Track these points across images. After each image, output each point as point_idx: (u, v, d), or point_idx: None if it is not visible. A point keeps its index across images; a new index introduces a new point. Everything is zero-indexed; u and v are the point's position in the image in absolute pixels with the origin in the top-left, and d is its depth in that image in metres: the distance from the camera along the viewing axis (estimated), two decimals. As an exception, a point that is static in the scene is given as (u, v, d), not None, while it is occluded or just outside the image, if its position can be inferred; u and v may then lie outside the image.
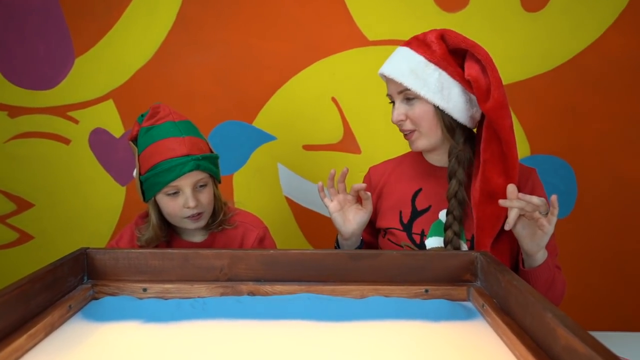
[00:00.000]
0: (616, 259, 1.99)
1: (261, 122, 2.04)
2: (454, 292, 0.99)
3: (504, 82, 1.18)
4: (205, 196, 1.32)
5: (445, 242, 1.22)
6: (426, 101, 1.20)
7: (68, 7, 2.02)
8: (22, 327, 0.79)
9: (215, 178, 1.37)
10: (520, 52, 1.94)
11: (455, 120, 1.21)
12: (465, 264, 1.01)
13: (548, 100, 1.95)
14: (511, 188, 1.07)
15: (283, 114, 2.04)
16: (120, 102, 2.06)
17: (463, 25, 1.87)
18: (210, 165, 1.31)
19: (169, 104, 1.36)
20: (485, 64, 1.15)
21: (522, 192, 1.09)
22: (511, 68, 1.93)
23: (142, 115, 1.36)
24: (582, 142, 1.96)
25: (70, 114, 2.07)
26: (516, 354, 0.74)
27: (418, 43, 1.22)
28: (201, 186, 1.31)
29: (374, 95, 1.93)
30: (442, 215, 1.26)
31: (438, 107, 1.19)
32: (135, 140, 1.35)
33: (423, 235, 1.26)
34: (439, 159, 1.31)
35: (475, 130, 1.29)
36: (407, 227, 1.27)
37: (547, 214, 1.06)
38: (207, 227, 1.39)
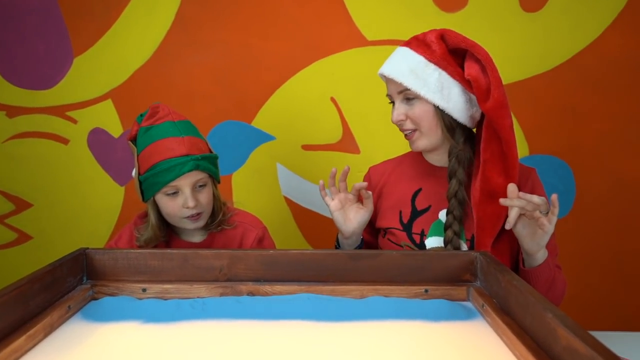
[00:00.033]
0: (615, 259, 1.99)
1: (260, 122, 2.04)
2: (454, 292, 0.99)
3: (503, 82, 1.18)
4: (205, 196, 1.32)
5: (445, 242, 1.22)
6: (426, 101, 1.20)
7: (67, 7, 2.01)
8: (21, 327, 0.78)
9: (215, 178, 1.37)
10: (519, 52, 1.94)
11: (455, 120, 1.21)
12: (465, 264, 1.01)
13: (547, 100, 1.95)
14: (512, 187, 1.08)
15: (282, 114, 2.04)
16: (119, 102, 2.06)
17: (462, 25, 1.86)
18: (209, 165, 1.31)
19: (167, 104, 1.36)
20: (485, 63, 1.15)
21: (522, 191, 1.08)
22: (510, 68, 1.93)
23: (141, 115, 1.35)
24: (581, 142, 1.96)
25: (68, 113, 2.07)
26: (516, 354, 0.74)
27: (418, 43, 1.22)
28: (200, 186, 1.31)
29: (373, 95, 1.93)
30: (442, 215, 1.26)
31: (438, 107, 1.19)
32: (134, 140, 1.34)
33: (423, 235, 1.26)
34: (438, 158, 1.31)
35: (474, 130, 1.29)
36: (407, 227, 1.27)
37: (547, 213, 1.06)
38: (206, 227, 1.38)
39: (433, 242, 1.24)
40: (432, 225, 1.26)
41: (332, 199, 1.24)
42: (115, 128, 2.07)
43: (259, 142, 2.06)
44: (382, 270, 1.00)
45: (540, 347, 0.70)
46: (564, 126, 1.96)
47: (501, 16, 1.93)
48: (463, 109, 1.20)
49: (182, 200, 1.28)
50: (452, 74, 1.18)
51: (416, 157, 1.36)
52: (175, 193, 1.29)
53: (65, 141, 2.08)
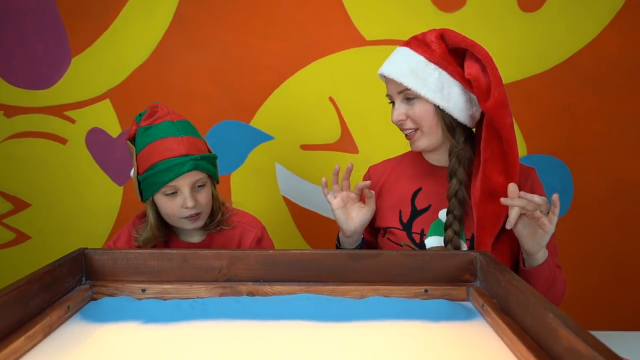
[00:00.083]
0: (613, 258, 2.00)
1: (259, 121, 2.04)
2: (454, 292, 0.99)
3: (502, 82, 1.18)
4: (204, 196, 1.32)
5: (446, 242, 1.22)
6: (426, 101, 1.20)
7: (65, 7, 2.01)
8: (21, 328, 0.78)
9: (214, 178, 1.36)
10: (517, 52, 1.94)
11: (455, 120, 1.21)
12: (465, 264, 1.01)
13: (545, 100, 1.95)
14: (512, 187, 1.08)
15: (280, 113, 2.03)
16: (117, 102, 2.05)
17: (460, 25, 1.86)
18: (208, 166, 1.31)
19: (166, 104, 1.35)
20: (485, 63, 1.15)
21: (522, 191, 1.08)
22: (508, 68, 1.93)
23: (140, 115, 1.35)
24: (579, 142, 1.96)
25: (67, 113, 2.06)
26: (517, 355, 0.74)
27: (417, 43, 1.22)
28: (199, 186, 1.31)
29: (371, 95, 1.93)
30: (442, 214, 1.26)
31: (438, 106, 1.19)
32: (133, 139, 1.34)
33: (423, 235, 1.26)
34: (438, 158, 1.31)
35: (474, 130, 1.29)
36: (407, 227, 1.27)
37: (548, 213, 1.06)
38: (204, 227, 1.38)
39: (433, 241, 1.24)
40: (432, 224, 1.26)
41: (335, 197, 1.24)
42: (113, 128, 2.07)
43: (257, 142, 2.06)
44: (382, 270, 1.00)
45: (541, 348, 0.70)
46: (562, 126, 1.96)
47: (499, 16, 1.93)
48: (463, 108, 1.20)
49: (181, 201, 1.28)
50: (452, 73, 1.18)
51: (416, 157, 1.36)
52: (174, 193, 1.28)
53: (63, 141, 2.08)
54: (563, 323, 0.64)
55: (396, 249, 1.26)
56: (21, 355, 0.75)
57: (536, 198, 1.04)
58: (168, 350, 0.78)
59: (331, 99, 2.02)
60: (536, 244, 1.10)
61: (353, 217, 1.24)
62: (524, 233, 1.10)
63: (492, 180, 1.18)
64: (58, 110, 2.06)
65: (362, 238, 1.30)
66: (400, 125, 1.26)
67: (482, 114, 1.21)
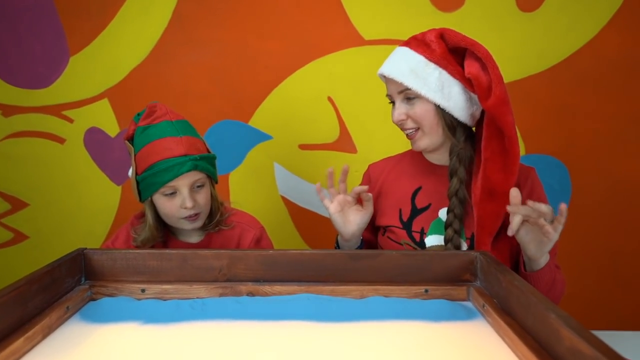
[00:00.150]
0: (610, 258, 2.00)
1: (257, 121, 2.04)
2: (454, 292, 0.99)
3: (501, 81, 1.18)
4: (203, 197, 1.31)
5: (446, 241, 1.21)
6: (427, 100, 1.20)
7: (62, 6, 2.00)
8: (20, 329, 0.78)
9: (213, 178, 1.36)
10: (515, 51, 1.94)
11: (455, 119, 1.21)
12: (465, 264, 1.01)
13: (543, 100, 1.96)
14: (514, 192, 1.05)
15: (279, 113, 2.03)
16: (116, 101, 2.05)
17: (459, 25, 1.84)
18: (207, 166, 1.31)
19: (164, 103, 1.35)
20: (485, 61, 1.15)
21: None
22: (507, 68, 1.90)
23: (139, 114, 1.34)
24: (577, 141, 1.96)
25: (65, 113, 2.06)
26: (518, 355, 0.74)
27: (417, 43, 1.22)
28: (198, 186, 1.30)
29: (370, 94, 1.93)
30: (442, 213, 1.26)
31: (439, 106, 1.19)
32: (131, 139, 1.33)
33: (423, 234, 1.26)
34: (439, 157, 1.31)
35: (474, 129, 1.29)
36: (407, 225, 1.27)
37: (552, 221, 1.03)
38: (203, 227, 1.38)
39: (433, 240, 1.24)
40: (432, 223, 1.26)
41: (331, 202, 1.23)
42: (111, 127, 2.06)
43: (256, 142, 2.05)
44: (382, 270, 1.00)
45: (542, 348, 0.70)
46: (560, 126, 1.96)
47: (498, 16, 1.93)
48: (464, 107, 1.20)
49: (180, 201, 1.28)
50: (452, 72, 1.18)
51: (416, 156, 1.36)
52: (173, 193, 1.28)
53: (61, 140, 2.07)
54: (565, 323, 0.64)
55: (396, 248, 1.26)
56: (20, 356, 0.75)
57: (542, 207, 1.00)
58: (168, 351, 0.78)
59: (330, 99, 2.02)
60: (539, 251, 1.08)
61: (351, 220, 1.23)
62: (526, 239, 1.08)
63: (492, 179, 1.18)
64: (56, 110, 2.06)
65: (362, 240, 1.29)
66: (401, 125, 1.26)
67: (482, 113, 1.21)
